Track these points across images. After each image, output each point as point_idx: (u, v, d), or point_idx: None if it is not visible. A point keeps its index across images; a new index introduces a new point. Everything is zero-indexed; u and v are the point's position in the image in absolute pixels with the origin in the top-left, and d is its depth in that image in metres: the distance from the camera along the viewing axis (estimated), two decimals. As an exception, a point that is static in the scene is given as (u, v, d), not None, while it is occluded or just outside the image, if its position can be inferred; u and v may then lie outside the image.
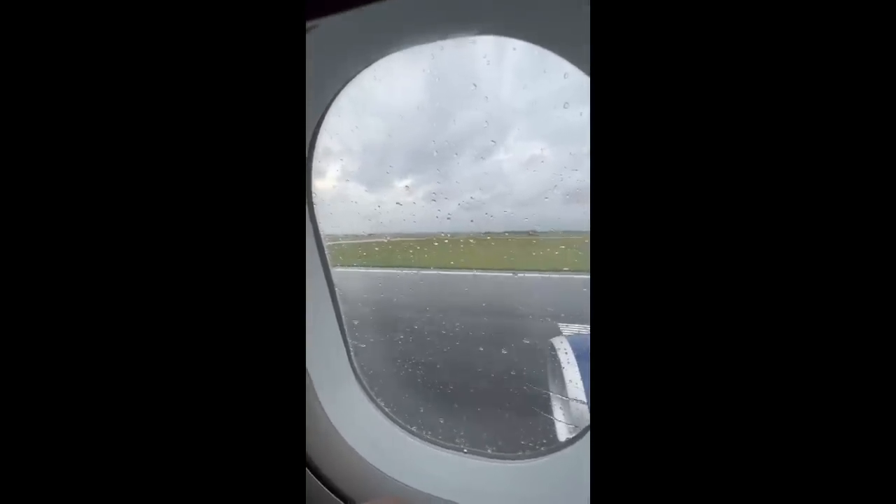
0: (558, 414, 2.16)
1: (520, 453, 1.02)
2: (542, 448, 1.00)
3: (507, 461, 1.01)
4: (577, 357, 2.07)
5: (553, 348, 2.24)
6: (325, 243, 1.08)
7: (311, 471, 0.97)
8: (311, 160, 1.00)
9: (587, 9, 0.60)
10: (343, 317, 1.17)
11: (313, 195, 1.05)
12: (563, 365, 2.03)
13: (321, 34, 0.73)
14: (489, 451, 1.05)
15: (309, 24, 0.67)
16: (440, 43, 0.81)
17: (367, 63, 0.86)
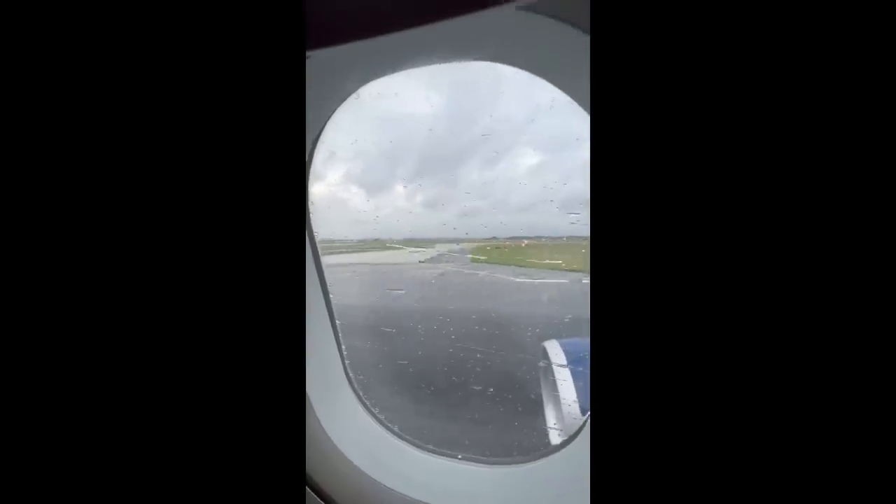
0: (550, 418, 2.18)
1: (515, 458, 1.03)
2: (538, 452, 1.02)
3: (500, 466, 1.03)
4: (571, 362, 2.09)
5: (545, 353, 2.26)
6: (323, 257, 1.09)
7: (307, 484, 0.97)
8: (308, 172, 1.01)
9: (579, 40, 0.63)
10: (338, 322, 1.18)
11: (310, 202, 1.05)
12: (555, 370, 2.05)
13: (324, 57, 0.75)
14: (483, 456, 1.06)
15: (311, 53, 0.68)
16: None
17: (366, 82, 0.88)
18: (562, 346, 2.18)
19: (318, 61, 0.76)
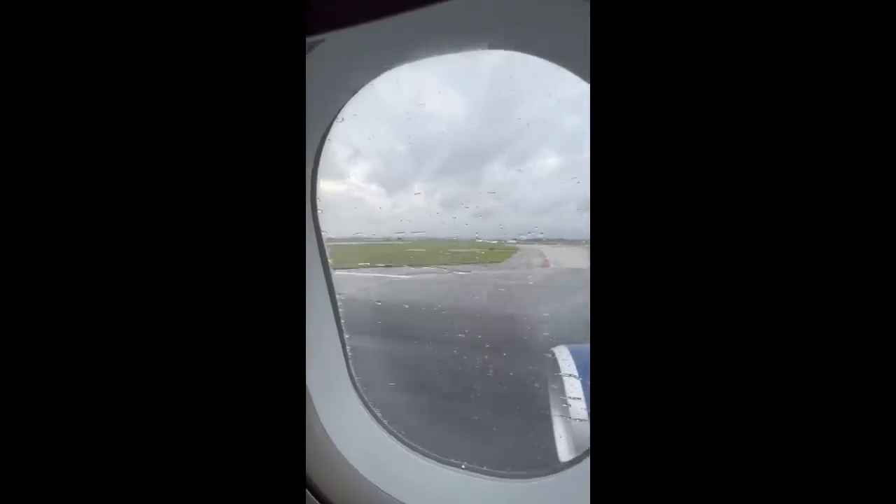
0: (557, 425, 2.13)
1: (520, 472, 0.99)
2: (544, 469, 0.98)
3: (507, 480, 0.99)
4: (579, 368, 2.04)
5: (554, 357, 2.21)
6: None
7: (307, 486, 0.95)
8: (317, 167, 0.99)
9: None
10: (343, 324, 1.15)
11: (318, 200, 1.03)
12: (563, 376, 2.01)
13: (330, 46, 0.72)
14: (488, 469, 1.03)
15: (318, 38, 0.65)
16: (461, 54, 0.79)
17: (377, 74, 0.84)
18: (571, 351, 2.14)
19: (325, 50, 0.73)
